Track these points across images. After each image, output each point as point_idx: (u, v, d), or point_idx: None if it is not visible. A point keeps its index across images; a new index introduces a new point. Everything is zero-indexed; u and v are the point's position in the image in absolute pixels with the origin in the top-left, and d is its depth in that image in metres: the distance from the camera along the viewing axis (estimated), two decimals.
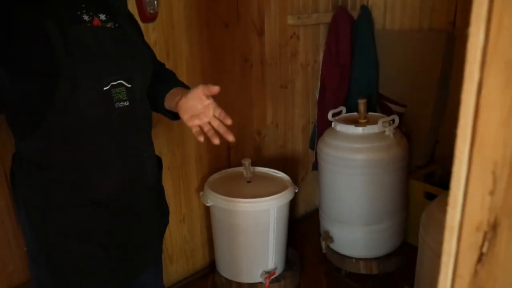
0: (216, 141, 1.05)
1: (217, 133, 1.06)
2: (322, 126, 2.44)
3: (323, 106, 2.48)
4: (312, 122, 2.57)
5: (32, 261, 1.10)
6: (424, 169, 2.36)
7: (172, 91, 1.16)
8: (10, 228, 1.52)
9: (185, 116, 1.08)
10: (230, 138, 1.06)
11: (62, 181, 1.01)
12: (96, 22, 1.01)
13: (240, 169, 2.03)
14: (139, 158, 1.11)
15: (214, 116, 1.06)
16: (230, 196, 1.81)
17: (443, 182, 2.27)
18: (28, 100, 0.95)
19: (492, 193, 0.45)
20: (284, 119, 2.42)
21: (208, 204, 1.87)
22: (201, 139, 1.06)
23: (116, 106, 1.01)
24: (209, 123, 1.07)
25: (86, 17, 0.99)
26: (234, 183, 1.96)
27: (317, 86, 2.51)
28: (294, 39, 2.33)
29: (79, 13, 0.99)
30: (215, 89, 1.04)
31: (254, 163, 2.05)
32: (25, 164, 1.03)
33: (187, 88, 1.17)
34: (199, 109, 1.06)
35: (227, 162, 2.20)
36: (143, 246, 1.19)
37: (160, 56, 1.84)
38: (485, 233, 0.46)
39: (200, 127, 1.07)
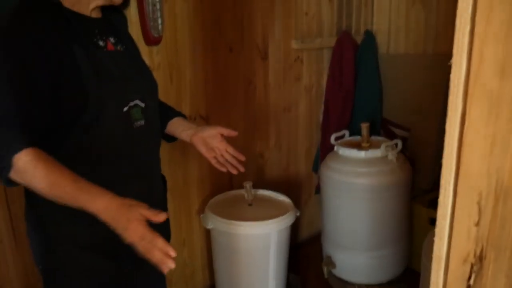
0: (235, 171, 1.28)
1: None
2: (325, 149, 2.44)
3: (326, 129, 2.48)
4: (315, 145, 2.57)
5: (46, 277, 1.13)
6: (429, 194, 2.34)
7: (178, 120, 1.31)
8: (9, 247, 1.52)
9: (202, 150, 1.28)
10: (242, 169, 1.28)
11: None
12: (110, 46, 1.07)
13: (242, 191, 2.02)
14: (151, 175, 1.19)
15: (227, 150, 1.27)
16: (231, 219, 1.79)
17: None
18: (58, 122, 0.98)
19: (477, 224, 0.45)
20: (288, 142, 2.42)
21: (208, 227, 1.86)
22: (224, 169, 1.28)
23: (134, 126, 1.07)
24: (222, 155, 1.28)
25: (101, 43, 1.05)
26: (235, 205, 1.95)
27: (320, 109, 2.52)
28: (298, 63, 2.35)
29: (95, 39, 1.04)
30: (233, 133, 1.26)
31: (257, 186, 2.04)
32: None
33: (185, 117, 1.34)
34: (214, 144, 1.27)
35: (229, 184, 2.20)
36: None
37: (163, 79, 1.88)
38: (472, 265, 0.46)
39: (216, 158, 1.28)
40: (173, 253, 0.86)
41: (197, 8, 1.88)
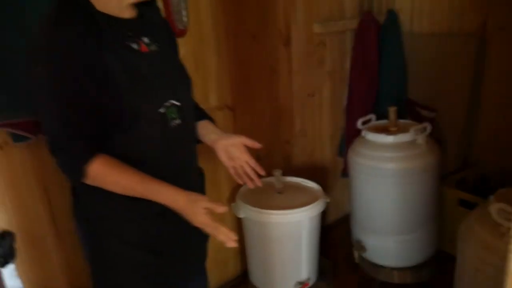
0: (252, 185, 1.28)
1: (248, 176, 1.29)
2: (350, 133, 2.43)
3: (351, 113, 2.46)
4: (340, 129, 2.56)
5: (94, 270, 1.20)
6: (456, 175, 2.32)
7: (205, 123, 1.31)
8: (52, 244, 1.57)
9: (222, 157, 1.28)
10: (259, 184, 1.28)
11: (125, 195, 1.08)
12: (143, 48, 1.08)
13: (271, 179, 2.03)
14: (189, 171, 1.24)
15: (247, 162, 1.27)
16: (262, 208, 1.81)
17: (477, 188, 2.22)
18: (103, 127, 1.03)
19: None
20: (313, 128, 2.42)
21: (240, 216, 1.88)
22: (240, 181, 1.29)
23: (171, 125, 1.10)
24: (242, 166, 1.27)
25: (135, 45, 1.06)
26: (265, 194, 1.97)
27: (344, 93, 2.49)
28: (321, 47, 2.32)
29: (128, 42, 1.05)
30: (257, 145, 1.25)
31: (284, 172, 2.05)
32: (86, 186, 1.08)
33: (212, 121, 1.34)
34: (236, 154, 1.26)
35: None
36: (193, 253, 1.29)
37: (189, 69, 1.86)
38: None
39: (235, 168, 1.28)
40: (234, 237, 1.03)
41: None
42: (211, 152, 1.96)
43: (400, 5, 2.56)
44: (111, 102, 0.99)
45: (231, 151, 1.26)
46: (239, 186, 2.09)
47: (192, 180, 1.24)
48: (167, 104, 1.09)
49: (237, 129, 2.03)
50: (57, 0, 1.01)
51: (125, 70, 1.00)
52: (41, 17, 1.00)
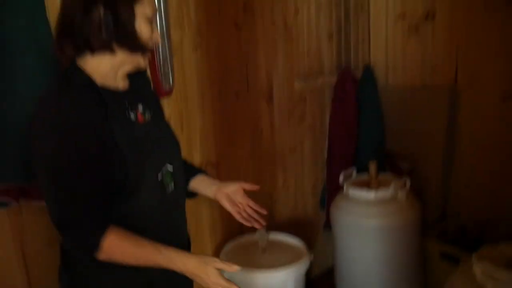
0: (258, 226, 1.32)
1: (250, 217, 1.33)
2: (331, 186, 2.46)
3: (331, 166, 2.51)
4: (321, 182, 2.59)
5: None
6: (436, 227, 2.35)
7: (200, 177, 1.35)
8: None
9: (226, 205, 1.32)
10: (263, 224, 1.32)
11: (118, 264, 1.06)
12: (140, 117, 1.10)
13: (254, 236, 2.02)
14: (181, 235, 1.25)
15: (248, 205, 1.32)
16: (247, 267, 1.79)
17: (457, 240, 2.26)
18: (108, 196, 1.03)
19: None
20: (295, 181, 2.44)
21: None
22: (249, 224, 1.33)
23: (167, 191, 1.12)
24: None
25: (132, 116, 1.08)
26: (250, 252, 1.95)
27: (325, 146, 2.54)
28: (301, 103, 2.38)
29: (127, 113, 1.07)
30: (256, 187, 1.32)
31: (267, 227, 2.04)
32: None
33: (206, 173, 1.38)
34: (238, 200, 1.32)
35: (239, 227, 2.19)
36: None
37: (174, 128, 1.88)
38: None
39: (239, 212, 1.33)
40: None
41: (204, 59, 1.91)
42: (193, 208, 1.96)
43: (375, 60, 2.67)
44: (117, 172, 1.01)
45: (233, 197, 1.32)
46: (221, 243, 2.07)
47: (184, 244, 1.25)
48: (163, 170, 1.11)
49: None
50: (58, 76, 1.04)
51: (128, 141, 1.02)
52: (43, 92, 1.03)
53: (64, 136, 0.95)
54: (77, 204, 0.96)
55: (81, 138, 0.96)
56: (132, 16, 1.01)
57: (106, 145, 0.99)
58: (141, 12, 1.03)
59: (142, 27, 1.03)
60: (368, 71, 2.61)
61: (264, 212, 1.33)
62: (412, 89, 2.50)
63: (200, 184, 1.34)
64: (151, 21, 1.06)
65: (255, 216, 1.33)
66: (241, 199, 1.32)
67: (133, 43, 1.04)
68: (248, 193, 1.34)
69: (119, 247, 0.99)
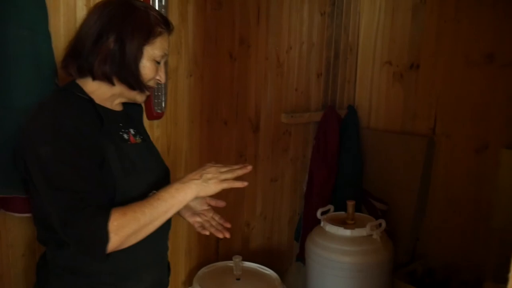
0: (221, 235, 1.23)
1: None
2: (308, 218, 2.50)
3: (310, 199, 2.56)
4: (298, 214, 2.63)
5: None
6: (406, 268, 2.42)
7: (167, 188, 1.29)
8: None
9: (186, 213, 1.28)
10: (227, 235, 1.23)
11: (100, 286, 1.06)
12: (132, 139, 1.13)
13: (229, 263, 2.03)
14: (163, 260, 1.25)
15: (213, 217, 1.27)
16: None
17: (425, 281, 2.32)
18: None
19: None
20: (273, 211, 2.47)
21: None
22: (207, 233, 1.24)
23: None
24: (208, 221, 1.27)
25: (125, 136, 1.12)
26: (224, 279, 1.95)
27: (305, 179, 2.60)
28: (286, 136, 2.45)
29: (120, 132, 1.10)
30: (222, 204, 1.23)
31: (242, 254, 2.06)
32: (60, 271, 1.06)
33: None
34: (199, 209, 1.28)
35: (215, 253, 2.21)
36: None
37: (161, 151, 1.88)
38: None
39: (201, 224, 1.26)
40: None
41: (197, 85, 1.96)
42: (170, 236, 1.97)
43: (359, 101, 2.78)
44: (107, 187, 1.01)
45: (194, 207, 1.28)
46: (196, 268, 2.07)
47: (166, 267, 1.27)
48: (150, 194, 1.09)
49: None
50: (58, 88, 1.05)
51: (119, 158, 1.04)
52: (41, 100, 1.04)
53: (63, 138, 0.95)
54: (82, 202, 0.94)
55: (80, 142, 0.97)
56: (139, 55, 1.05)
57: (99, 156, 1.00)
58: (150, 53, 1.06)
59: (146, 68, 1.07)
60: (352, 111, 2.71)
61: (228, 225, 1.27)
62: (392, 133, 2.60)
63: None
64: (158, 62, 1.10)
65: (219, 227, 1.26)
66: (205, 211, 1.27)
67: (133, 81, 1.07)
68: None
69: (128, 221, 0.95)
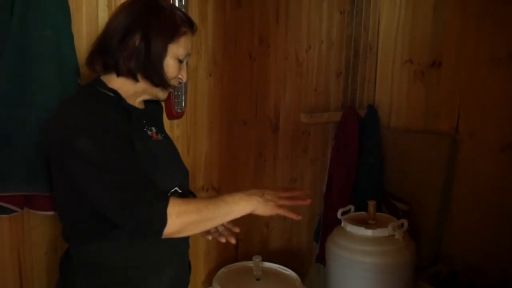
0: (223, 240, 1.24)
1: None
2: (327, 220, 2.47)
3: (329, 200, 2.53)
4: (317, 215, 2.61)
5: None
6: (429, 269, 2.37)
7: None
8: None
9: None
10: (233, 241, 1.23)
11: (123, 281, 1.07)
12: (154, 136, 1.15)
13: (248, 263, 2.02)
14: (185, 257, 1.26)
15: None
16: None
17: (449, 283, 2.27)
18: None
19: None
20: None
21: None
22: (209, 237, 1.28)
23: None
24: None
25: (149, 132, 1.13)
26: (243, 279, 1.94)
27: (324, 180, 2.57)
28: (306, 136, 2.43)
29: (145, 129, 1.12)
30: (236, 229, 1.27)
31: (261, 254, 2.05)
32: (84, 266, 1.07)
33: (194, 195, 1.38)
34: None
35: (235, 254, 2.20)
36: None
37: (181, 151, 1.89)
38: None
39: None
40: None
41: (217, 85, 1.96)
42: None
43: (379, 101, 2.74)
44: None
45: None
46: (215, 268, 2.06)
47: (187, 265, 1.28)
48: (172, 191, 1.13)
49: None
50: (85, 85, 1.11)
51: (145, 154, 1.05)
52: (68, 97, 1.08)
53: (100, 127, 0.97)
54: (135, 183, 0.96)
55: (117, 131, 1.00)
56: (163, 53, 1.07)
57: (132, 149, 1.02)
58: (174, 52, 1.08)
59: (170, 66, 1.09)
60: (372, 111, 2.67)
61: (237, 230, 1.27)
62: (413, 133, 2.56)
63: None
64: (181, 61, 1.11)
65: (225, 233, 1.26)
66: None
67: (156, 78, 1.09)
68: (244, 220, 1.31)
69: (190, 210, 0.98)
